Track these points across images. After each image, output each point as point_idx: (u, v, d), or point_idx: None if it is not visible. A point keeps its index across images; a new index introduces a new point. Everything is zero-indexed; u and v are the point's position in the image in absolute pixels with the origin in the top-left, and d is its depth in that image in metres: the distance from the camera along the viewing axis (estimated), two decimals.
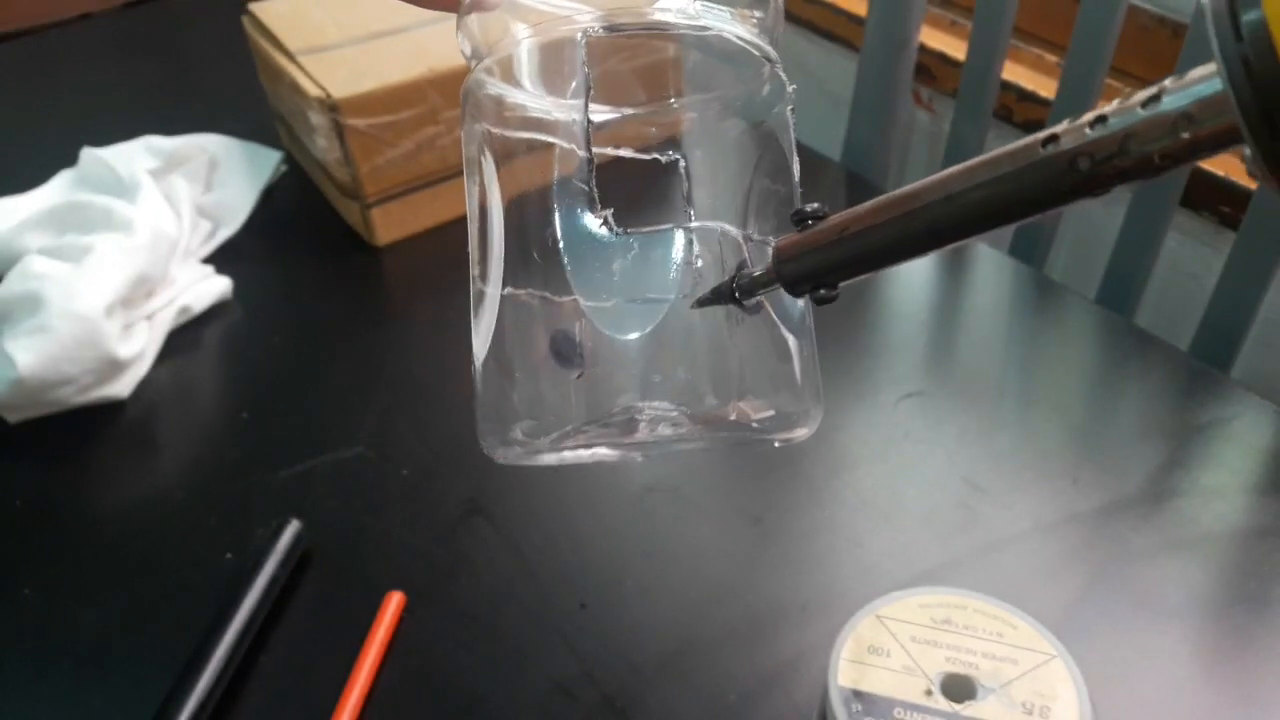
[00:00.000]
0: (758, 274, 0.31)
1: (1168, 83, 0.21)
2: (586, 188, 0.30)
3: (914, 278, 0.70)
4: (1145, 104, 0.21)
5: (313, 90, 0.68)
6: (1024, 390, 0.62)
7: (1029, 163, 0.23)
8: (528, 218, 0.33)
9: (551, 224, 0.32)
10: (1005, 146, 0.24)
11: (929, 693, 0.37)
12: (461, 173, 0.34)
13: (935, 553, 0.51)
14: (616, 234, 0.31)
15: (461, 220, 0.82)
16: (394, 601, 0.49)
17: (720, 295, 0.32)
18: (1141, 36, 0.84)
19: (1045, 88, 0.86)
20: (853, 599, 0.42)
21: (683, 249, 0.32)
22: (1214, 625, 0.48)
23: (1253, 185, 0.67)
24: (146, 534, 0.54)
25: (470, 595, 0.50)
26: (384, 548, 0.52)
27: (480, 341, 0.33)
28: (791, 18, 1.08)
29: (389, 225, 0.73)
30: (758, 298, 0.31)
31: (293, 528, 0.51)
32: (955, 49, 0.92)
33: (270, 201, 0.78)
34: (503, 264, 0.33)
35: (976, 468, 0.55)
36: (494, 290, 0.33)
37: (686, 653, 0.47)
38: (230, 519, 0.54)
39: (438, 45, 0.72)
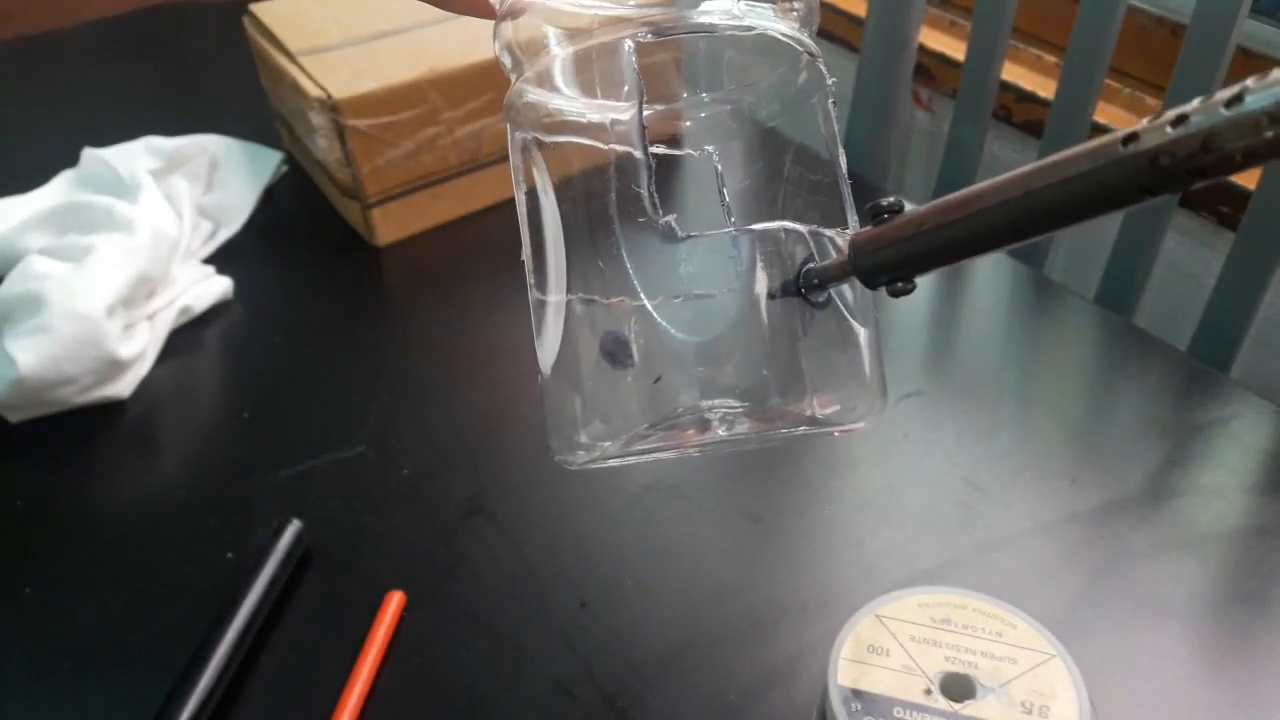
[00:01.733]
0: (829, 266, 0.31)
1: (1250, 82, 0.21)
2: (645, 192, 0.30)
3: None
4: (1228, 104, 0.22)
5: (313, 91, 0.68)
6: (1023, 390, 0.62)
7: (1108, 161, 0.24)
8: (581, 224, 0.33)
9: (609, 229, 0.32)
10: (1084, 145, 0.24)
11: (928, 692, 0.37)
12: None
13: (935, 553, 0.51)
14: (680, 238, 0.31)
15: (461, 221, 0.81)
16: (394, 601, 0.49)
17: (789, 289, 0.32)
18: (1141, 36, 0.84)
19: (1044, 88, 0.86)
20: (853, 599, 0.42)
21: (743, 247, 0.32)
22: (1213, 625, 0.48)
23: (1251, 185, 0.67)
24: (146, 534, 0.54)
25: (470, 595, 0.50)
26: (384, 547, 0.53)
27: (545, 350, 0.33)
28: None
29: (389, 225, 0.73)
30: (828, 291, 0.31)
31: (293, 528, 0.51)
32: (955, 49, 0.92)
33: (271, 202, 0.78)
34: (565, 271, 0.33)
35: (976, 468, 0.55)
36: (556, 298, 0.32)
37: (686, 652, 0.47)
38: (230, 519, 0.54)
39: (438, 45, 0.72)
